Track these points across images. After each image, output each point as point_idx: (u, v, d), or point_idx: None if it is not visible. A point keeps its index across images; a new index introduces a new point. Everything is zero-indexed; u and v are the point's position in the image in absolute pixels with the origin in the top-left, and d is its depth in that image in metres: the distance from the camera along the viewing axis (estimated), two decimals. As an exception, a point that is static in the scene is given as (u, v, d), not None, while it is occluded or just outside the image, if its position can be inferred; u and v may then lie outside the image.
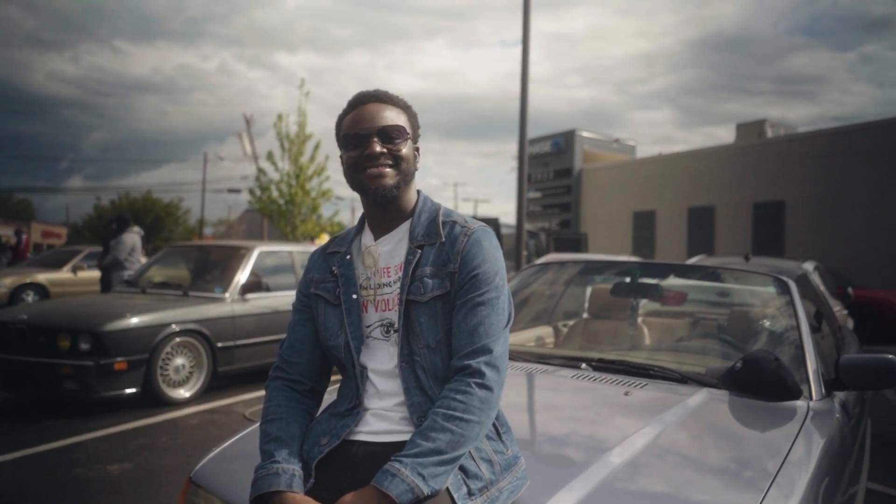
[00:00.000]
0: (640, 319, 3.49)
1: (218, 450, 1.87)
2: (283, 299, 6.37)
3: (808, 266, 7.09)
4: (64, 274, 12.41)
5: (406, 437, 1.31)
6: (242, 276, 6.20)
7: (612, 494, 1.44)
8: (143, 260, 8.27)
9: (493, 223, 12.24)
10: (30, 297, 11.61)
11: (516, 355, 2.50)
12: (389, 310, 1.42)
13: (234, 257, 6.51)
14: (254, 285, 6.19)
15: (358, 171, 1.42)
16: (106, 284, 8.09)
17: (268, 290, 6.34)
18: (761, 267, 3.94)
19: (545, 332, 3.42)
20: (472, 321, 1.36)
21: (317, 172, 19.30)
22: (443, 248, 1.41)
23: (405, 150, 1.44)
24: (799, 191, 17.58)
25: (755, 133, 21.02)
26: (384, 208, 1.45)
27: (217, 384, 5.85)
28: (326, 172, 19.44)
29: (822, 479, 1.71)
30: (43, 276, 12.15)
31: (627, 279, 3.30)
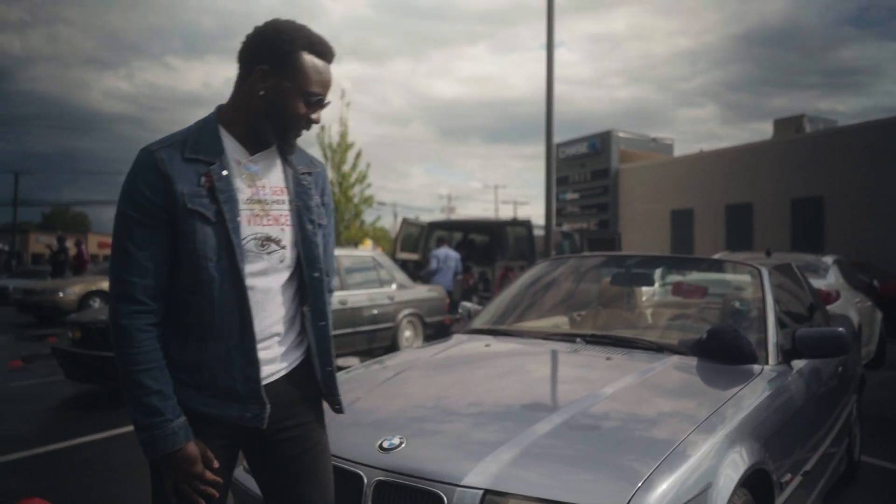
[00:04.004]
0: (649, 310, 3.91)
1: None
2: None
3: (828, 259, 7.35)
4: (126, 281, 13.32)
5: (302, 349, 1.52)
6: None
7: (586, 419, 1.92)
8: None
9: (525, 225, 12.67)
10: (96, 302, 12.49)
11: (526, 334, 2.98)
12: (269, 225, 1.41)
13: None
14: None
15: (294, 121, 1.41)
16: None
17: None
18: (775, 260, 4.33)
19: (561, 320, 3.88)
20: (329, 247, 1.58)
21: (359, 180, 20.20)
22: (317, 179, 1.54)
23: None
24: (838, 185, 17.49)
25: (793, 128, 20.91)
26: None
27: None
28: (368, 180, 20.34)
29: (764, 425, 2.12)
30: (107, 284, 13.07)
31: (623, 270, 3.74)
